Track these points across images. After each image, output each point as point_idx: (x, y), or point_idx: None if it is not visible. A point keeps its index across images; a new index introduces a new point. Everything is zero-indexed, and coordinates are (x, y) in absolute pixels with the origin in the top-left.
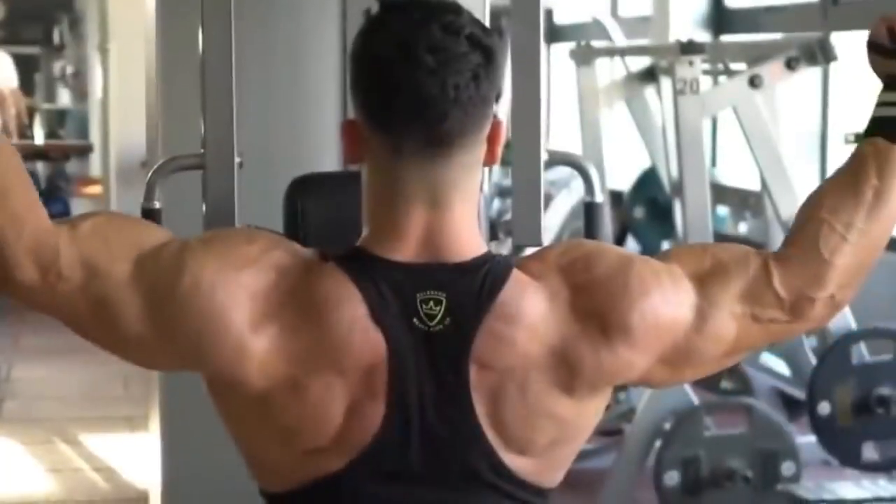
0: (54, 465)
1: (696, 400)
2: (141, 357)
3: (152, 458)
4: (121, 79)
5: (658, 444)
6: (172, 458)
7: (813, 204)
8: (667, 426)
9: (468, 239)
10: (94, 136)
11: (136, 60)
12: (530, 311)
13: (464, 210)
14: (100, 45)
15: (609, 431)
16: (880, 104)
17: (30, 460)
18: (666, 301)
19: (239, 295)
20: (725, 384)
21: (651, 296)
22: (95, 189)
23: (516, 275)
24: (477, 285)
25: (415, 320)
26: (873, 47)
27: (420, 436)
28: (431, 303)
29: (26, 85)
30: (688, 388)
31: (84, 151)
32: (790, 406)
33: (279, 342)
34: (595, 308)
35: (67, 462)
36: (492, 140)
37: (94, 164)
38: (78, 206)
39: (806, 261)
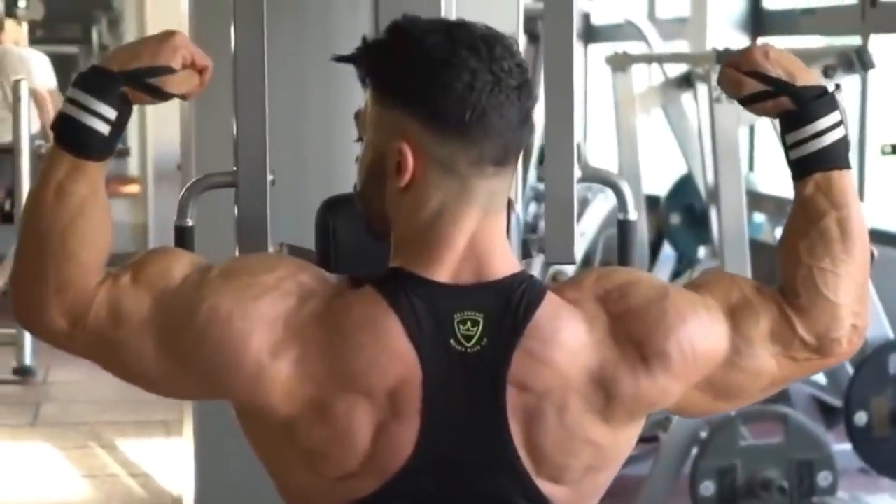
0: (90, 471)
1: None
2: (165, 390)
3: (186, 464)
4: None
5: (694, 452)
6: (205, 464)
7: (791, 253)
8: (703, 435)
9: (504, 255)
10: (132, 139)
11: None
12: (566, 333)
13: (500, 222)
14: None
15: (645, 439)
16: (792, 146)
17: (66, 465)
18: (702, 330)
19: (258, 321)
20: None
21: (688, 324)
22: (133, 188)
23: (551, 297)
24: (513, 305)
25: (452, 341)
26: (747, 100)
27: (454, 459)
28: (469, 323)
29: (65, 85)
30: None
31: (121, 154)
32: (827, 414)
33: (302, 366)
34: (633, 335)
35: (103, 467)
36: None
37: (132, 165)
38: (116, 206)
39: (817, 308)
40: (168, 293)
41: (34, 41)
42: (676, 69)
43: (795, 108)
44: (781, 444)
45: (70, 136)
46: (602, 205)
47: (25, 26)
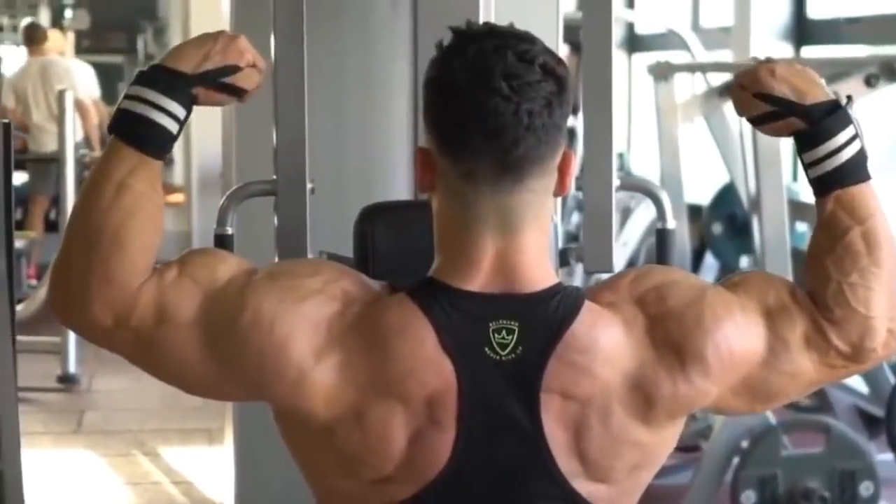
0: (133, 478)
1: (773, 419)
2: (204, 391)
3: (227, 471)
4: None
5: (735, 462)
6: (245, 472)
7: (819, 269)
8: (744, 444)
9: (539, 268)
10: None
11: None
12: (604, 340)
13: (535, 238)
14: None
15: (687, 448)
16: (809, 165)
17: (109, 472)
18: (739, 332)
19: (301, 326)
20: (804, 402)
21: (725, 327)
22: (178, 197)
23: (588, 305)
24: (549, 315)
25: (487, 350)
26: (758, 121)
27: (490, 465)
28: (504, 332)
29: (110, 94)
30: None
31: (166, 163)
32: (869, 424)
33: (343, 371)
34: (670, 338)
35: (146, 475)
36: (563, 170)
37: (177, 174)
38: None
39: (850, 321)
40: (213, 294)
41: (80, 51)
42: (719, 78)
43: (807, 127)
44: (823, 453)
45: (138, 131)
46: (644, 214)
47: (71, 36)
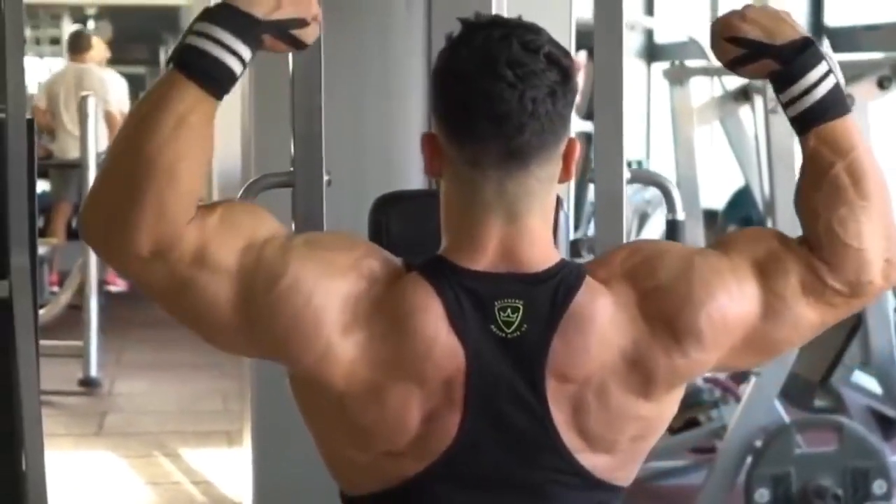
0: (153, 478)
1: (786, 418)
2: (224, 341)
3: (245, 472)
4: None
5: (749, 461)
6: (263, 472)
7: (808, 208)
8: (758, 444)
9: (543, 249)
10: None
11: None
12: (601, 316)
13: (538, 225)
14: None
15: (701, 449)
16: (787, 104)
17: (130, 473)
18: (731, 298)
19: (334, 300)
20: (819, 402)
21: (717, 297)
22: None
23: (589, 281)
24: (551, 292)
25: (492, 327)
26: (734, 64)
27: (495, 441)
28: (509, 310)
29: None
30: (778, 405)
31: None
32: (883, 425)
33: (366, 348)
34: (663, 312)
35: (166, 475)
36: (566, 157)
37: None
38: None
39: (843, 257)
40: (254, 250)
41: None
42: (734, 82)
43: (780, 67)
44: (836, 452)
45: (205, 69)
46: (661, 219)
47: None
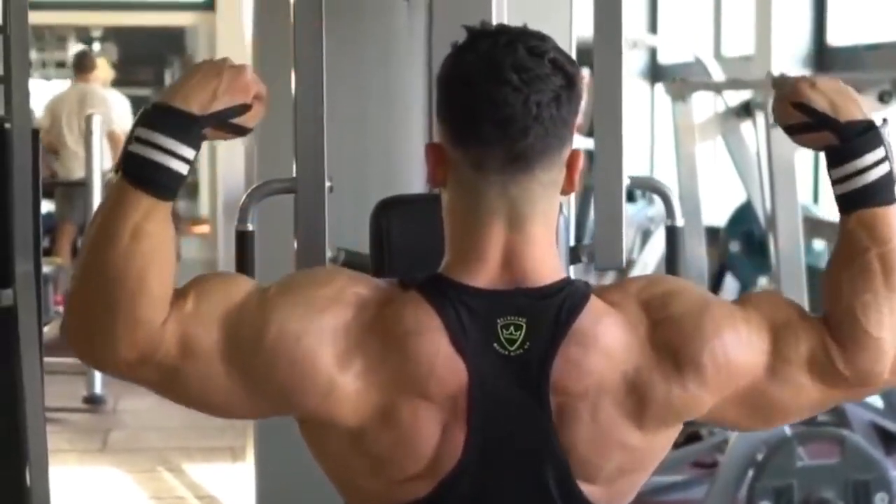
0: (158, 494)
1: (788, 430)
2: (235, 411)
3: (249, 487)
4: None
5: (750, 474)
6: (267, 487)
7: (834, 286)
8: (759, 457)
9: (546, 263)
10: (202, 174)
11: None
12: (606, 337)
13: (542, 232)
14: None
15: (703, 463)
16: (836, 181)
17: (134, 489)
18: (739, 344)
19: (323, 337)
20: (821, 417)
21: (723, 337)
22: (203, 228)
23: (593, 301)
24: (555, 310)
25: (495, 345)
26: (793, 130)
27: (501, 459)
28: (512, 328)
29: None
30: None
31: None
32: (886, 440)
33: (367, 374)
34: (670, 342)
35: (171, 491)
36: (570, 167)
37: (203, 204)
38: (188, 244)
39: (857, 342)
40: (232, 318)
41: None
42: (737, 98)
43: (838, 143)
44: (838, 464)
45: (150, 177)
46: (663, 236)
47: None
